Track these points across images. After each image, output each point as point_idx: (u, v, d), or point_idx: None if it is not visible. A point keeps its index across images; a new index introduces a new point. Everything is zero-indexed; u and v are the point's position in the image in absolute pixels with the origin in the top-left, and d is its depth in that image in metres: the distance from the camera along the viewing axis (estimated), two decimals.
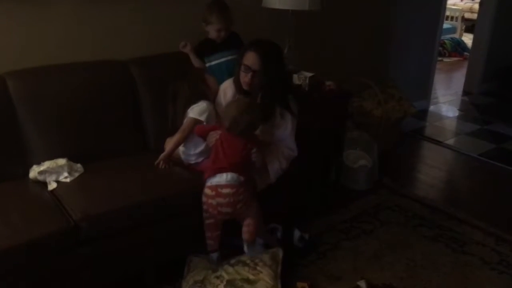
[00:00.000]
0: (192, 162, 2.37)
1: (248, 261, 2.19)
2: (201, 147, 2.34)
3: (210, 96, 2.40)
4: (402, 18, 4.20)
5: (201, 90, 2.37)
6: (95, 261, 2.01)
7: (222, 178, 2.15)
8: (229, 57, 2.61)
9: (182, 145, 2.35)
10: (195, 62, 2.62)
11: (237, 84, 2.35)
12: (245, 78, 2.28)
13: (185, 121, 2.31)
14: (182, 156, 2.39)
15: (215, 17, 2.53)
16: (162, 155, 2.31)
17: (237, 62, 2.34)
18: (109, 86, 2.48)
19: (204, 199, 2.18)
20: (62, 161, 2.22)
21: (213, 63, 2.64)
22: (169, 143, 2.34)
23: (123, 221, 2.04)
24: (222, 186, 2.14)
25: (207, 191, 2.17)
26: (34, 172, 2.19)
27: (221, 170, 2.15)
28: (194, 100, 2.34)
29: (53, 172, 2.17)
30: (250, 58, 2.24)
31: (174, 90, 2.39)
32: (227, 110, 2.20)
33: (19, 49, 2.40)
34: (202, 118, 2.30)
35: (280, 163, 2.32)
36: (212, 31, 2.57)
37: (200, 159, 2.36)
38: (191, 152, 2.35)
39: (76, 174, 2.21)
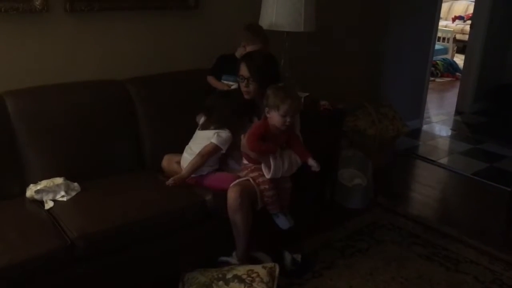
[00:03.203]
0: (200, 174, 2.39)
1: (244, 276, 2.19)
2: (214, 160, 2.41)
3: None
4: (395, 39, 4.28)
5: (234, 119, 2.41)
6: (91, 279, 2.01)
7: None
8: None
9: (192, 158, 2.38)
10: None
11: (242, 99, 2.45)
12: (243, 87, 2.42)
13: (207, 146, 2.35)
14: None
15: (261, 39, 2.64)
16: (178, 178, 2.32)
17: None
18: (107, 106, 2.51)
19: None
20: (59, 180, 2.23)
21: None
22: (187, 166, 2.35)
23: (120, 239, 2.05)
24: None
25: None
26: (31, 191, 2.20)
27: None
28: (224, 123, 2.38)
29: (50, 191, 2.18)
30: (242, 69, 2.39)
31: (211, 104, 2.43)
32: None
33: (18, 68, 2.43)
34: (224, 147, 2.36)
35: (283, 162, 2.35)
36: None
37: (208, 170, 2.40)
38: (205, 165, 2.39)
39: (73, 193, 2.22)
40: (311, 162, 2.37)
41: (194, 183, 2.38)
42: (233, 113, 2.39)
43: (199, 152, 2.35)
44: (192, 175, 2.37)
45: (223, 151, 2.39)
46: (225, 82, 2.66)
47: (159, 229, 2.16)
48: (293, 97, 2.30)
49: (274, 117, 2.29)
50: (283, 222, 2.41)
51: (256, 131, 2.32)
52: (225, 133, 2.37)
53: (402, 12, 4.24)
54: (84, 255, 1.95)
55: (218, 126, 2.37)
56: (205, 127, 2.42)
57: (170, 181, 2.32)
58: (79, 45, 2.58)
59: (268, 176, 2.32)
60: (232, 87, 2.59)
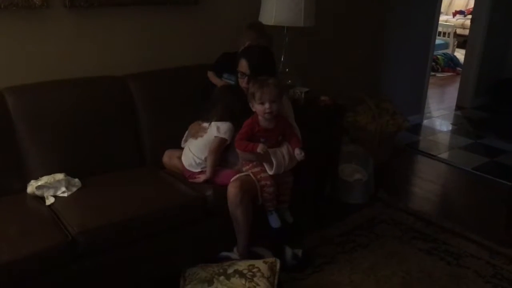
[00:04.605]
0: (200, 169, 2.40)
1: (245, 271, 2.19)
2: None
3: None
4: (395, 34, 4.27)
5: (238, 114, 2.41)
6: (92, 275, 2.02)
7: None
8: None
9: (194, 152, 2.39)
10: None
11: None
12: (242, 83, 2.42)
13: (214, 141, 2.36)
14: (193, 163, 2.40)
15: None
16: (204, 178, 2.35)
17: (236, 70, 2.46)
18: (107, 102, 2.51)
19: None
20: (60, 176, 2.24)
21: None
22: (208, 168, 2.36)
23: (120, 235, 2.05)
24: None
25: None
26: (32, 187, 2.20)
27: None
28: (227, 116, 2.39)
29: (51, 187, 2.19)
30: (242, 65, 2.39)
31: (217, 97, 2.45)
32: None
33: (18, 65, 2.43)
34: (228, 137, 2.37)
35: (283, 156, 2.35)
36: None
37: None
38: (203, 158, 2.39)
39: (74, 189, 2.23)
40: (297, 151, 2.34)
41: (190, 180, 2.38)
42: (238, 109, 2.38)
43: (209, 152, 2.36)
44: (193, 170, 2.38)
45: (228, 142, 2.38)
46: (226, 80, 2.65)
47: (160, 224, 2.17)
48: (268, 84, 2.27)
49: (256, 108, 2.30)
50: (275, 220, 2.40)
51: (243, 129, 2.33)
52: (225, 125, 2.37)
53: (403, 6, 4.23)
54: (85, 251, 1.96)
55: (220, 118, 2.37)
56: (207, 118, 2.42)
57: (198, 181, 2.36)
58: (78, 41, 2.58)
59: (271, 172, 2.32)
60: None
